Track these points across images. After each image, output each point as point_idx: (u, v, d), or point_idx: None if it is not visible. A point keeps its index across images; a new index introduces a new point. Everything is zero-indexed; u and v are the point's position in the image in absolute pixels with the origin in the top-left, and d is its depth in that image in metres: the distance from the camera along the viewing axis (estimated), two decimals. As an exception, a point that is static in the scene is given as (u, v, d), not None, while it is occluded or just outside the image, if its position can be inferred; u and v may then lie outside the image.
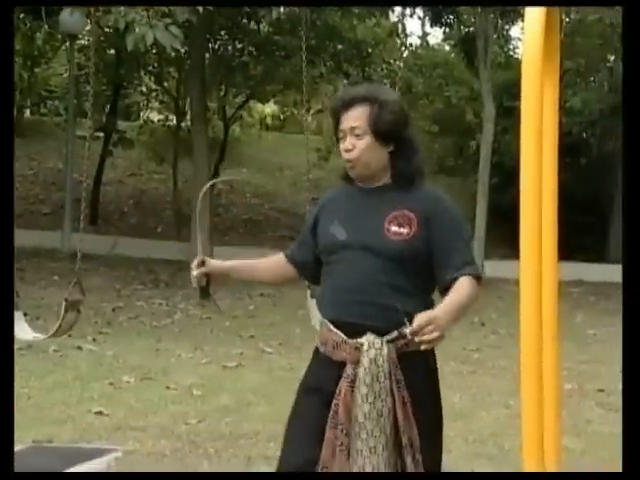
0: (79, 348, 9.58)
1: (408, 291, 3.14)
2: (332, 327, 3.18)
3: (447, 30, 23.26)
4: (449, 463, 5.48)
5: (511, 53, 24.65)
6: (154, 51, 18.68)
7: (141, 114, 27.80)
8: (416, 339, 2.89)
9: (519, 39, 23.69)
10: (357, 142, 3.17)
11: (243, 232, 21.14)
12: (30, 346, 8.77)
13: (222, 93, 22.91)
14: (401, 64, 20.18)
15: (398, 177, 3.23)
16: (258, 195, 24.88)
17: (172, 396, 7.67)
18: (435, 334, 2.86)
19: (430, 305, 3.16)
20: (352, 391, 3.07)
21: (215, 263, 3.45)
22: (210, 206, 18.10)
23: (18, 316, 5.92)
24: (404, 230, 3.13)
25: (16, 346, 9.05)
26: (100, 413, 6.98)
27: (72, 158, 18.52)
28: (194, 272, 3.36)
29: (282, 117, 30.94)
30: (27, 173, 24.12)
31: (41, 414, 6.92)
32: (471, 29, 21.38)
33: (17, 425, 6.51)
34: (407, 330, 2.92)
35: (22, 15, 17.78)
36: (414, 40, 25.13)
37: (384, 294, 3.11)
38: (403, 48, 22.08)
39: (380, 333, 3.08)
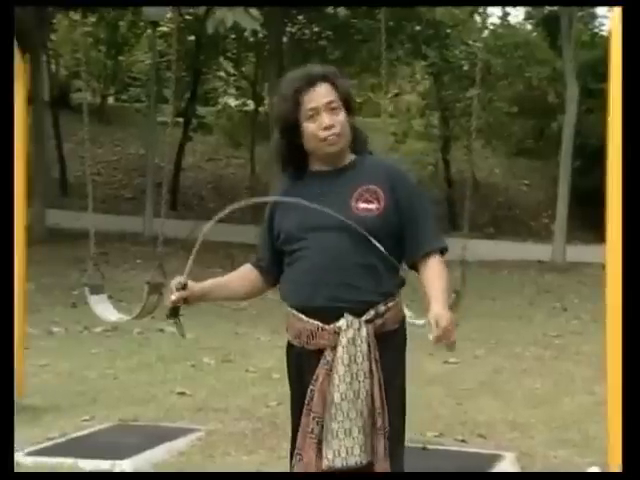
0: (161, 330, 9.70)
1: (378, 269, 3.05)
2: (304, 316, 3.09)
3: (529, 9, 22.91)
4: (531, 451, 5.48)
5: (596, 31, 24.12)
6: (233, 36, 18.78)
7: (219, 100, 27.91)
8: (443, 342, 2.88)
9: (605, 16, 23.24)
10: (335, 117, 3.08)
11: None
12: (115, 328, 8.94)
13: (300, 77, 22.94)
14: (480, 45, 19.90)
15: (358, 144, 3.20)
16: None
17: (252, 378, 7.73)
18: (454, 332, 2.89)
19: (399, 282, 3.15)
20: (329, 376, 3.02)
21: (194, 288, 3.30)
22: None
23: (103, 298, 6.02)
24: (373, 206, 3.05)
25: (102, 328, 9.28)
26: (182, 394, 7.08)
27: (153, 144, 18.73)
28: (173, 296, 3.22)
29: (359, 100, 30.93)
30: (111, 159, 24.53)
31: (126, 394, 7.04)
32: (553, 8, 20.99)
33: (103, 404, 6.69)
34: (430, 337, 2.88)
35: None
36: (494, 20, 24.79)
37: (358, 274, 3.02)
38: (482, 27, 21.78)
39: (357, 314, 3.00)
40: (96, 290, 6.13)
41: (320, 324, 3.03)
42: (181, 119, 22.32)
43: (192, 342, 9.32)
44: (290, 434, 3.25)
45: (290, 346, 3.23)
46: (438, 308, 2.93)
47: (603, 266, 4.58)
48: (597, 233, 8.77)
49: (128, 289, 10.44)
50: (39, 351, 8.06)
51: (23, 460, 5.26)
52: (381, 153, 3.71)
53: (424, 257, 3.09)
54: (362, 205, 3.04)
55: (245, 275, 3.42)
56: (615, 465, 4.50)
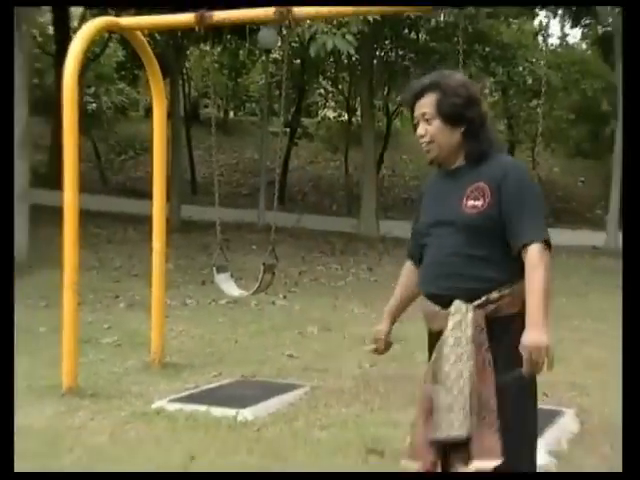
0: (273, 303, 9.84)
1: (490, 259, 2.86)
2: (428, 302, 2.99)
3: (585, 30, 22.47)
4: (589, 408, 5.38)
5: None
6: (331, 59, 18.82)
7: (319, 112, 28.12)
8: (531, 372, 2.73)
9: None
10: (428, 127, 2.95)
11: (403, 208, 21.10)
12: (236, 302, 9.06)
13: (386, 93, 23.03)
14: (542, 62, 19.60)
15: (469, 155, 2.96)
16: (415, 177, 24.80)
17: (348, 344, 7.74)
18: (543, 360, 2.70)
19: (516, 271, 2.83)
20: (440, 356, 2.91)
21: (384, 330, 3.23)
22: (376, 188, 18.21)
23: (227, 277, 6.09)
24: (479, 202, 2.86)
25: (225, 301, 9.43)
26: (291, 356, 7.15)
27: (265, 150, 18.92)
28: (371, 347, 3.23)
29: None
30: (231, 162, 24.90)
31: (245, 355, 7.15)
32: (608, 28, 20.54)
33: (227, 362, 6.80)
34: (524, 370, 2.70)
35: (229, 36, 18.23)
36: (554, 40, 24.42)
37: (468, 265, 2.87)
38: (545, 48, 21.46)
39: (468, 300, 2.85)
40: (221, 270, 6.22)
41: (437, 308, 2.94)
42: (288, 129, 22.53)
43: (298, 313, 9.45)
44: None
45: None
46: (525, 337, 2.72)
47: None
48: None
49: (246, 270, 10.54)
50: (177, 319, 8.26)
51: (167, 406, 5.37)
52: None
53: (523, 250, 2.82)
54: (470, 202, 2.87)
55: (409, 276, 3.24)
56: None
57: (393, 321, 3.27)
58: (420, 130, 2.98)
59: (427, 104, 2.95)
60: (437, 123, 2.94)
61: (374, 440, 4.71)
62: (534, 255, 2.79)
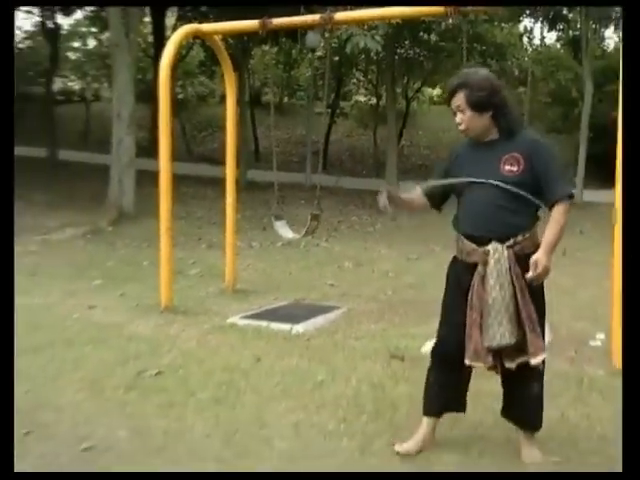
0: (317, 245, 9.84)
1: (517, 210, 2.90)
2: (466, 240, 2.98)
3: (559, 33, 21.95)
4: (558, 323, 5.34)
5: (605, 48, 22.88)
6: (362, 56, 18.52)
7: (353, 97, 27.84)
8: (534, 281, 2.83)
9: (610, 37, 22.32)
10: (462, 116, 2.96)
11: (418, 172, 20.83)
12: (289, 244, 9.07)
13: (405, 81, 22.72)
14: (527, 58, 19.23)
15: (502, 130, 2.97)
16: (427, 147, 24.50)
17: (376, 277, 7.75)
18: (545, 275, 2.83)
19: (533, 220, 2.94)
20: (482, 283, 2.91)
21: (396, 194, 3.15)
22: (397, 156, 18.00)
23: (283, 224, 6.06)
24: (514, 168, 2.89)
25: (280, 244, 9.44)
26: (332, 285, 7.16)
27: (311, 127, 18.79)
28: (382, 198, 3.09)
29: (444, 96, 30.18)
30: (285, 137, 24.72)
31: (297, 284, 7.18)
32: (577, 32, 20.01)
33: (283, 289, 6.81)
34: (528, 276, 2.80)
35: (284, 38, 17.96)
36: (536, 41, 23.85)
37: (501, 214, 2.90)
38: (529, 47, 21.12)
39: (501, 241, 2.89)
40: (278, 218, 6.20)
41: (475, 246, 2.94)
42: (329, 110, 22.30)
43: (337, 253, 9.45)
44: (440, 313, 3.14)
45: (454, 259, 3.10)
46: (539, 255, 2.82)
47: (611, 204, 4.41)
48: (606, 182, 8.38)
49: (297, 219, 10.55)
50: (244, 257, 8.29)
51: (238, 322, 5.42)
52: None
53: (555, 204, 2.90)
54: (507, 167, 2.90)
55: (421, 197, 3.23)
56: (616, 335, 4.35)
57: (402, 198, 3.18)
58: (457, 119, 3.00)
59: (459, 99, 2.96)
60: (469, 112, 2.96)
61: (396, 348, 4.72)
62: (562, 208, 2.89)
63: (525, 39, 21.43)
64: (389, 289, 6.91)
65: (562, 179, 2.95)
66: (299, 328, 5.25)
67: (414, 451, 3.14)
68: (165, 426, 3.42)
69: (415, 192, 3.25)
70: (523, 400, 3.05)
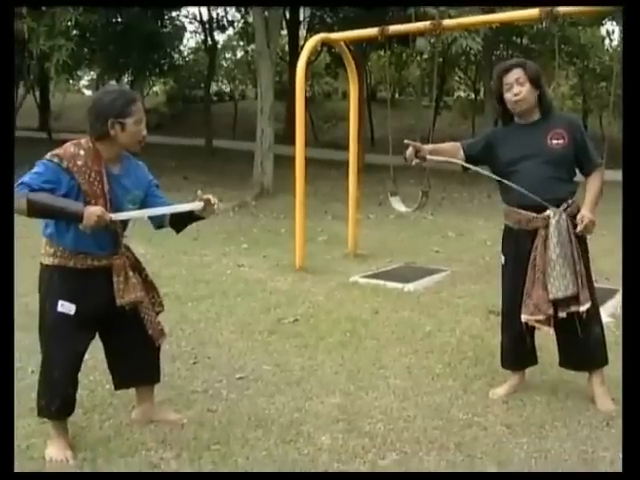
0: (424, 218, 9.64)
1: (566, 179, 2.85)
2: (522, 210, 2.85)
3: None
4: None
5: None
6: (463, 57, 17.83)
7: (455, 92, 26.96)
8: (584, 233, 2.79)
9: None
10: (522, 88, 2.82)
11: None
12: (401, 216, 8.91)
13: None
14: (607, 58, 17.93)
15: (544, 109, 2.89)
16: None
17: (474, 245, 7.48)
18: (592, 228, 2.78)
19: (577, 185, 2.90)
20: (545, 245, 2.79)
21: (421, 150, 3.03)
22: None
23: (397, 199, 5.92)
24: (561, 141, 2.82)
25: (393, 216, 9.26)
26: (437, 251, 7.00)
27: (419, 118, 18.36)
28: (409, 151, 2.98)
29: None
30: (397, 126, 24.13)
31: (408, 249, 7.00)
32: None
33: (396, 254, 6.68)
34: (577, 229, 2.76)
35: (396, 44, 17.54)
36: (615, 43, 22.10)
37: (553, 182, 2.81)
38: (609, 48, 19.60)
39: (556, 206, 2.80)
40: (393, 194, 6.10)
41: (534, 214, 2.84)
42: (434, 104, 21.70)
43: (441, 224, 9.21)
44: (501, 279, 3.03)
45: (509, 229, 2.97)
46: (584, 211, 2.79)
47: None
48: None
49: (408, 196, 10.41)
50: (363, 227, 8.20)
51: (359, 280, 5.40)
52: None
53: (589, 172, 2.92)
54: (554, 141, 2.84)
55: (455, 147, 3.12)
56: None
57: (425, 154, 3.03)
58: (515, 90, 2.85)
59: (518, 73, 2.85)
60: (527, 85, 2.84)
61: (493, 305, 4.55)
62: (598, 174, 2.91)
63: (607, 40, 19.83)
64: (487, 255, 6.68)
65: (594, 150, 2.91)
66: (410, 287, 5.19)
67: (505, 396, 3.06)
68: (301, 363, 3.51)
69: (455, 146, 3.13)
70: (586, 342, 2.88)
